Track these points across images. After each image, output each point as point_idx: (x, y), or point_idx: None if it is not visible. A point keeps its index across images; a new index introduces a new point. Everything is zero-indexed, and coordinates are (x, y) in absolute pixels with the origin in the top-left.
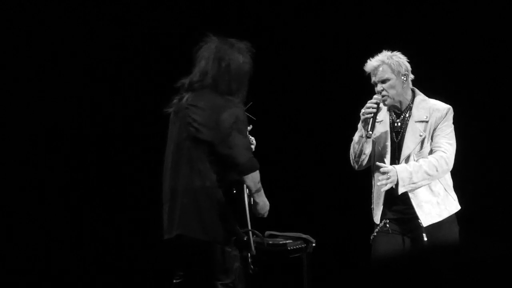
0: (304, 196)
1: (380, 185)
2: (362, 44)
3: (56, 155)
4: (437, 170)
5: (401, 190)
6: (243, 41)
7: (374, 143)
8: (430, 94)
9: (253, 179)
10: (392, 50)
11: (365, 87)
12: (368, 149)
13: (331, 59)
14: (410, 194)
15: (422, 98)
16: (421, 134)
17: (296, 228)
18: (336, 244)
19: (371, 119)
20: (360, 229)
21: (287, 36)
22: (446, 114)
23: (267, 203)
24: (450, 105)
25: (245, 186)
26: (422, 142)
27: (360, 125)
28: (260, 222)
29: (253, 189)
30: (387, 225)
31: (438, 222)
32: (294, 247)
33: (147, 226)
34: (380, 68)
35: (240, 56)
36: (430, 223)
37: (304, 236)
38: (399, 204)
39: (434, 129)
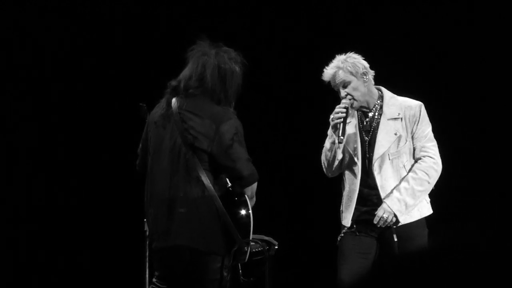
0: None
1: (380, 225)
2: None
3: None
4: (429, 183)
5: (403, 220)
6: (235, 51)
7: (343, 145)
8: (397, 91)
9: (253, 189)
10: (345, 52)
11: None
12: (340, 155)
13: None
14: (381, 193)
15: (390, 95)
16: (396, 132)
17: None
18: (301, 247)
19: (341, 124)
20: (326, 232)
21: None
22: (420, 111)
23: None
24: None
25: (246, 196)
26: (398, 141)
27: (330, 132)
28: None
29: (249, 198)
30: (354, 226)
31: (408, 224)
32: (256, 249)
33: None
34: (338, 74)
35: (235, 66)
36: (401, 223)
37: (266, 238)
38: (369, 205)
39: (412, 130)
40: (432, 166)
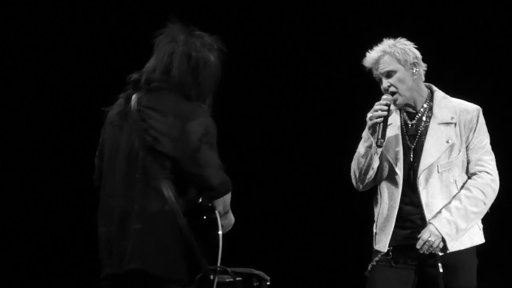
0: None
1: (423, 251)
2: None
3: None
4: (484, 203)
5: (452, 247)
6: (212, 36)
7: (381, 151)
8: (449, 92)
9: (225, 202)
10: (395, 37)
11: (370, 87)
12: (376, 163)
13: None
14: (426, 213)
15: (442, 95)
16: (449, 140)
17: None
18: (320, 277)
19: (381, 124)
20: (351, 258)
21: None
22: (478, 117)
23: (232, 221)
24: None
25: (217, 212)
26: (451, 150)
27: (366, 133)
28: None
29: (222, 212)
30: (390, 254)
31: (456, 252)
32: (226, 280)
33: None
34: (382, 60)
35: (210, 54)
36: (449, 250)
37: (256, 272)
38: (409, 227)
39: (468, 139)
40: (489, 183)
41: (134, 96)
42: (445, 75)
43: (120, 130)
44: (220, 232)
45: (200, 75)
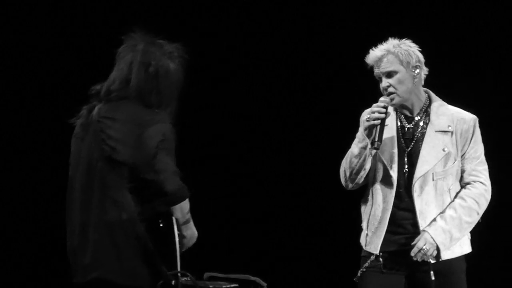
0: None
1: (417, 259)
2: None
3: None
4: (478, 213)
5: (445, 255)
6: (173, 44)
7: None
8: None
9: (182, 209)
10: (400, 37)
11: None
12: (368, 164)
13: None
14: (420, 220)
15: (440, 102)
16: (445, 148)
17: (248, 267)
18: (320, 277)
19: (379, 126)
20: (351, 258)
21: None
22: (474, 127)
23: (196, 234)
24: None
25: (174, 218)
26: (446, 159)
27: (361, 134)
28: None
29: (181, 221)
30: (380, 259)
31: (448, 260)
32: (189, 283)
33: None
34: (385, 59)
35: (170, 62)
36: (442, 258)
37: (252, 278)
38: (401, 232)
39: (463, 149)
40: (483, 194)
41: (96, 107)
42: (444, 75)
43: (82, 141)
44: (176, 238)
45: (160, 84)
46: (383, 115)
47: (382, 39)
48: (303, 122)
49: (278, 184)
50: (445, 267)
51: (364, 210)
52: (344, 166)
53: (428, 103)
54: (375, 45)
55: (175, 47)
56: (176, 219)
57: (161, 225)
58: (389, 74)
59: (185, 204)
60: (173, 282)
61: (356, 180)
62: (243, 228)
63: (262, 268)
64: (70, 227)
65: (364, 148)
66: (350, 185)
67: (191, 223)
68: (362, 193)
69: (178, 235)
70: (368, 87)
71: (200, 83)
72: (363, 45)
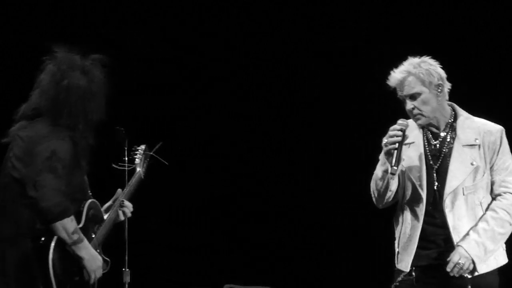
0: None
1: (453, 274)
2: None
3: None
4: (510, 224)
5: (481, 269)
6: (94, 56)
7: (403, 171)
8: (471, 111)
9: (65, 228)
10: (420, 55)
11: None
12: (394, 185)
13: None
14: (453, 235)
15: (465, 116)
16: (473, 162)
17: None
18: (320, 277)
19: (396, 150)
20: (351, 258)
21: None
22: (501, 138)
23: (98, 258)
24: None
25: (55, 238)
26: (475, 172)
27: (382, 157)
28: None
29: (68, 241)
30: (413, 274)
31: (483, 274)
32: None
33: None
34: (407, 81)
35: (82, 77)
36: (479, 272)
37: None
38: (432, 247)
39: (491, 161)
40: None
41: (17, 125)
42: (469, 87)
43: (5, 160)
44: (50, 259)
45: (70, 100)
46: (399, 139)
47: (382, 39)
48: (303, 122)
49: (278, 184)
50: (481, 282)
51: (396, 228)
52: (372, 187)
53: (453, 117)
54: (375, 45)
55: (91, 64)
56: (62, 239)
57: (41, 242)
58: (413, 96)
59: (69, 224)
60: None
61: (385, 201)
62: (244, 228)
63: (262, 268)
64: None
65: (386, 171)
66: (381, 205)
67: (84, 244)
68: (392, 211)
69: (72, 256)
70: (368, 87)
71: (200, 83)
72: (363, 45)
